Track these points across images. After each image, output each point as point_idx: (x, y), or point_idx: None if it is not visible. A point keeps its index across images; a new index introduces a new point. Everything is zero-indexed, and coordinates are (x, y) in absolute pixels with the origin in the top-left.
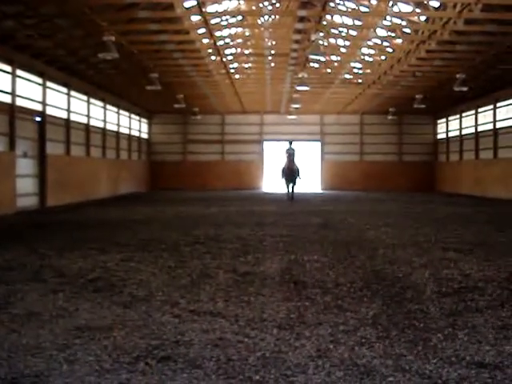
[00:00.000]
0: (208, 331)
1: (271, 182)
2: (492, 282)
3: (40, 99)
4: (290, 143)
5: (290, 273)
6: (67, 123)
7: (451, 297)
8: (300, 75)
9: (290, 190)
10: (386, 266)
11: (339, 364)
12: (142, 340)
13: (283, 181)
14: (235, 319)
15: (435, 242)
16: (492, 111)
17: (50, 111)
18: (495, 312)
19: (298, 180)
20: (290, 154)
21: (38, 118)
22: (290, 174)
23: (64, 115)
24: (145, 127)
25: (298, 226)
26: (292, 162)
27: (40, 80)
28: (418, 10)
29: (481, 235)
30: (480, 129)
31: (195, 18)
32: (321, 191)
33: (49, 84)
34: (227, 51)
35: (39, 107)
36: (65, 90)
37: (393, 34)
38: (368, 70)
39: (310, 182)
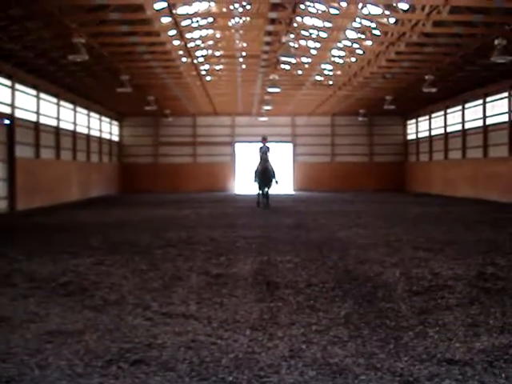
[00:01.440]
0: (181, 333)
1: (243, 184)
2: (462, 280)
3: (9, 102)
4: (264, 140)
5: (262, 274)
6: (37, 126)
7: (422, 295)
8: (271, 77)
9: (264, 195)
10: (357, 266)
11: (312, 363)
12: (114, 343)
13: (256, 184)
14: (208, 321)
15: (406, 242)
16: (461, 112)
17: (19, 114)
18: (465, 310)
19: (273, 183)
20: (264, 152)
21: (6, 121)
22: (264, 176)
23: (33, 118)
24: (116, 130)
25: (271, 227)
26: (266, 162)
27: (9, 82)
28: (387, 13)
29: (450, 234)
30: (449, 129)
31: (166, 20)
32: (293, 192)
33: (18, 86)
34: (198, 53)
35: (8, 110)
36: (34, 92)
37: (363, 36)
38: (338, 72)
39: (283, 183)
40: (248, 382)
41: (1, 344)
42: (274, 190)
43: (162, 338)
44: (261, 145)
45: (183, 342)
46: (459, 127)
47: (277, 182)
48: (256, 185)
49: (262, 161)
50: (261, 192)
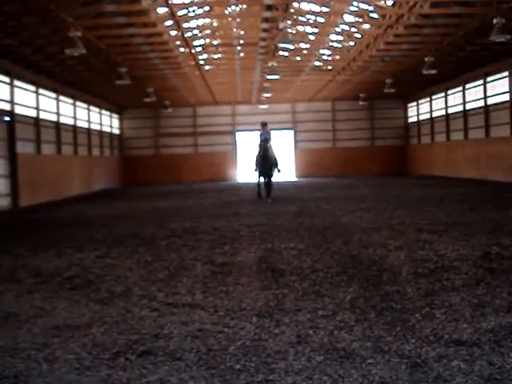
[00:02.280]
0: (187, 323)
1: (245, 173)
2: (467, 260)
3: (8, 98)
4: (264, 125)
5: (267, 261)
6: (37, 122)
7: (427, 277)
8: (270, 64)
9: (265, 185)
10: (361, 250)
11: (319, 349)
12: (122, 335)
13: (257, 173)
14: (214, 310)
15: (409, 224)
16: (461, 93)
17: (18, 110)
18: (471, 290)
19: (274, 172)
20: (265, 139)
21: (6, 118)
22: (265, 164)
23: (33, 114)
24: (116, 123)
25: (274, 214)
26: (267, 150)
27: (7, 79)
28: None
29: (454, 216)
30: (450, 111)
31: (162, 10)
32: (295, 179)
33: (16, 83)
34: (196, 42)
35: (7, 106)
36: (33, 88)
37: (360, 20)
38: (337, 57)
39: (285, 171)
40: (256, 369)
41: (8, 339)
42: (276, 177)
43: (168, 328)
44: (260, 131)
45: (190, 332)
46: (460, 108)
47: (279, 170)
48: (257, 173)
49: (263, 148)
50: (261, 181)
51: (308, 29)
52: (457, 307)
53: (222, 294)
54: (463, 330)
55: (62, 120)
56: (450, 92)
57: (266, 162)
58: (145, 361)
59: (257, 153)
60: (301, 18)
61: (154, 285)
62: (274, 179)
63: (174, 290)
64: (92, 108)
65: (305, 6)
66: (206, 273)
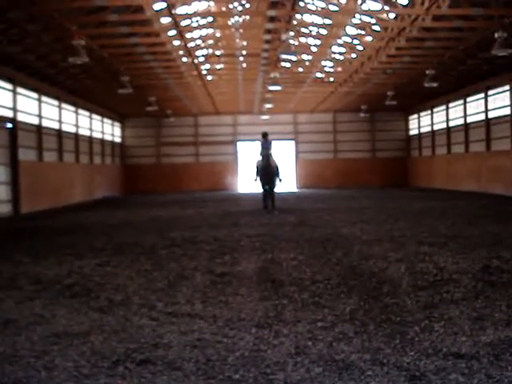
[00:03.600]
0: (186, 333)
1: (246, 183)
2: (466, 274)
3: (10, 105)
4: (265, 135)
5: (267, 272)
6: (39, 129)
7: (427, 290)
8: (272, 75)
9: (269, 195)
10: (361, 262)
11: (318, 360)
12: (121, 344)
13: (258, 183)
14: (213, 320)
15: (410, 237)
16: (462, 106)
17: (21, 117)
18: (470, 303)
19: (276, 181)
20: (265, 148)
21: (8, 125)
22: (267, 174)
23: (35, 121)
24: (118, 131)
25: (274, 224)
26: (268, 159)
27: (10, 86)
28: (386, 8)
29: (454, 228)
30: (451, 124)
31: (165, 20)
32: (296, 190)
33: (19, 90)
34: (198, 52)
35: (10, 114)
36: (36, 95)
37: (362, 32)
38: (339, 69)
39: (286, 181)
40: (254, 379)
41: (7, 346)
42: (277, 188)
43: (167, 337)
44: (262, 142)
45: (189, 341)
46: (461, 121)
47: (280, 180)
48: (259, 183)
49: (264, 158)
50: (265, 192)
51: (310, 40)
52: (456, 320)
53: (221, 304)
54: (462, 343)
55: (64, 128)
56: (451, 105)
57: (268, 171)
58: (144, 370)
59: (258, 163)
60: (303, 30)
61: (153, 294)
62: (276, 190)
63: (174, 300)
64: (94, 116)
65: (307, 18)
66: (206, 282)
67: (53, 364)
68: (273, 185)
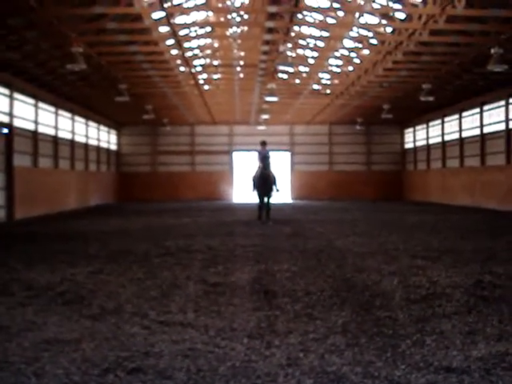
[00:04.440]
0: (178, 342)
1: (241, 193)
2: (459, 288)
3: (7, 111)
4: (263, 144)
5: (260, 282)
6: (35, 135)
7: (419, 303)
8: (269, 86)
9: (265, 205)
10: (355, 274)
11: (309, 372)
12: (112, 352)
13: (255, 193)
14: (205, 329)
15: (403, 250)
16: (458, 121)
17: (17, 123)
18: (462, 318)
19: (273, 192)
20: (264, 157)
21: (5, 130)
22: (264, 184)
23: (32, 127)
24: (114, 139)
25: (269, 235)
26: (266, 169)
27: (7, 91)
28: (384, 22)
29: (447, 243)
30: (446, 138)
31: (164, 29)
32: (290, 201)
33: (16, 95)
34: (196, 62)
35: (6, 119)
36: (32, 101)
37: (360, 45)
38: (336, 81)
39: (282, 192)
40: None
41: None
42: (273, 198)
43: (159, 346)
44: (259, 150)
45: (180, 351)
46: (457, 136)
47: (278, 190)
48: (255, 194)
49: (262, 167)
50: (261, 203)
51: (308, 52)
52: (448, 334)
53: (213, 313)
54: (453, 357)
55: (60, 134)
56: (446, 119)
57: (265, 182)
58: (134, 378)
59: (255, 172)
60: (301, 42)
61: (146, 302)
62: (272, 200)
63: (166, 309)
64: (90, 123)
65: (305, 30)
66: (199, 292)
67: (43, 371)
68: (270, 195)
